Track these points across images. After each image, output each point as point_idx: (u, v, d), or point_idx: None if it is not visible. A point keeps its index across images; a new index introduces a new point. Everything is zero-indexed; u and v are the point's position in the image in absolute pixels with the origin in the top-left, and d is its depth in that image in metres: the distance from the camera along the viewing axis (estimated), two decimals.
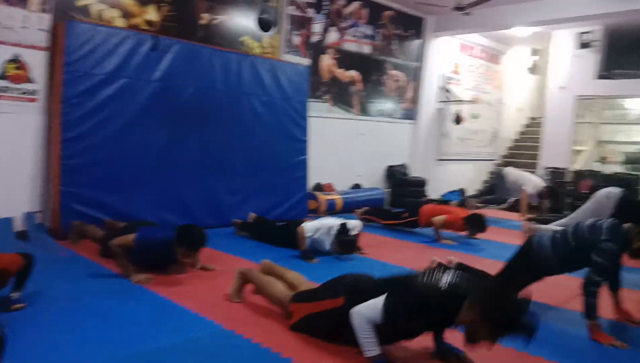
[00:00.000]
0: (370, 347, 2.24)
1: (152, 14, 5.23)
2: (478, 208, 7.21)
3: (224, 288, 3.34)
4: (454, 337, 2.61)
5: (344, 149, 7.41)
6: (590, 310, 2.80)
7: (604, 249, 2.84)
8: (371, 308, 2.25)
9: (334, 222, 4.47)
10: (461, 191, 8.77)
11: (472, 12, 7.46)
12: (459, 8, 7.28)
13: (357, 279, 2.58)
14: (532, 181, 6.53)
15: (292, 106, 5.97)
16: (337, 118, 7.28)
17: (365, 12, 7.42)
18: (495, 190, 7.06)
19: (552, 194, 6.86)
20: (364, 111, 7.66)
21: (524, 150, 10.54)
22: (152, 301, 3.09)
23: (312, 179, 6.63)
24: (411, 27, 8.18)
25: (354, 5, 7.25)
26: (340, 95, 7.27)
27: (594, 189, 8.30)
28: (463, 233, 5.39)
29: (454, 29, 8.32)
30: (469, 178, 9.63)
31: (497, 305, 2.02)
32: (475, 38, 9.36)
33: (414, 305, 2.19)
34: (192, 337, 2.58)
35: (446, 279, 2.20)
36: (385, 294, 2.26)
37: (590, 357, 2.68)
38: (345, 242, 4.35)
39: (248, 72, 5.57)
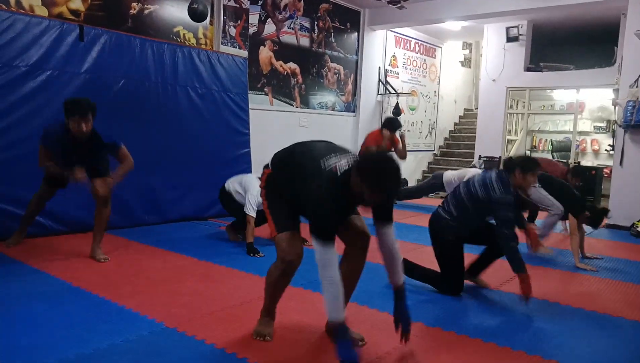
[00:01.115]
0: (336, 308, 2.08)
1: (76, 2, 4.94)
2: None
3: (164, 285, 3.21)
4: None
5: (287, 142, 7.24)
6: (517, 264, 2.96)
7: (500, 202, 3.03)
8: (321, 250, 2.08)
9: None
10: (403, 182, 8.93)
11: (406, 5, 7.63)
12: (393, 2, 7.41)
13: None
14: (470, 173, 6.63)
15: (231, 98, 5.83)
16: (279, 111, 7.21)
17: (302, 4, 7.38)
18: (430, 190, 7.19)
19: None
20: (305, 103, 7.63)
21: (460, 141, 10.90)
22: (87, 301, 2.89)
23: (256, 173, 6.51)
24: (348, 20, 8.23)
25: None
26: (280, 87, 7.19)
27: None
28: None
29: (389, 22, 8.45)
30: (409, 168, 9.83)
31: (368, 161, 2.09)
32: (411, 32, 9.57)
33: (324, 195, 2.11)
34: (132, 336, 2.43)
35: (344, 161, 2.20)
36: (310, 221, 2.15)
37: (526, 338, 2.74)
38: None
39: (183, 63, 5.38)
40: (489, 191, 3.10)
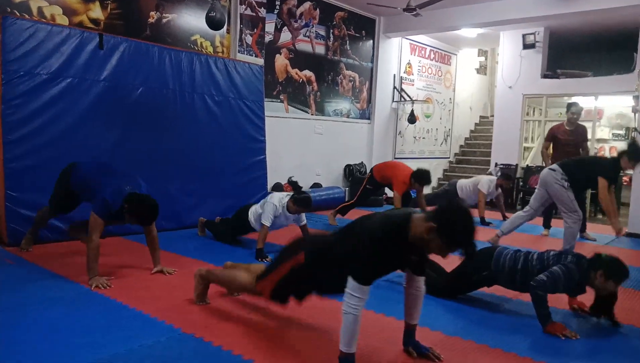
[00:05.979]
0: (350, 342, 2.12)
1: (96, 11, 5.03)
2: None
3: (182, 291, 3.22)
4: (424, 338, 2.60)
5: (302, 149, 7.37)
6: (543, 318, 2.81)
7: (557, 274, 2.85)
8: (355, 288, 2.08)
9: (281, 195, 4.40)
10: None
11: (422, 13, 7.61)
12: (408, 9, 7.40)
13: (312, 236, 2.78)
14: (484, 180, 6.67)
15: (247, 106, 5.87)
16: (294, 118, 7.23)
17: (317, 13, 7.42)
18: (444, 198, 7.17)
19: (507, 177, 7.08)
20: (320, 110, 7.64)
21: (476, 148, 10.83)
22: (105, 306, 2.92)
23: (272, 179, 6.55)
24: (363, 27, 8.24)
25: (305, 6, 7.23)
26: (296, 95, 7.22)
27: None
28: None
29: (404, 30, 8.44)
30: None
31: (451, 224, 2.00)
32: (426, 40, 9.55)
33: (377, 243, 2.08)
34: (149, 342, 2.44)
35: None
36: (350, 267, 2.13)
37: (546, 348, 2.69)
38: (301, 199, 4.25)
39: (201, 71, 5.43)
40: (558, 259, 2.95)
